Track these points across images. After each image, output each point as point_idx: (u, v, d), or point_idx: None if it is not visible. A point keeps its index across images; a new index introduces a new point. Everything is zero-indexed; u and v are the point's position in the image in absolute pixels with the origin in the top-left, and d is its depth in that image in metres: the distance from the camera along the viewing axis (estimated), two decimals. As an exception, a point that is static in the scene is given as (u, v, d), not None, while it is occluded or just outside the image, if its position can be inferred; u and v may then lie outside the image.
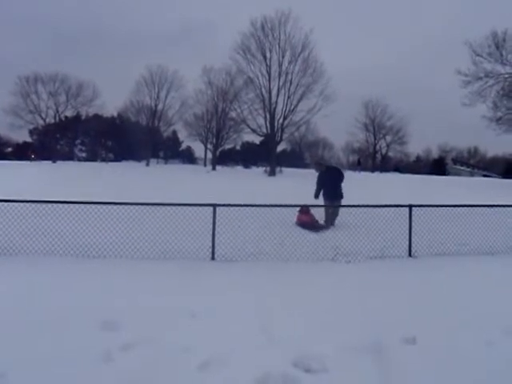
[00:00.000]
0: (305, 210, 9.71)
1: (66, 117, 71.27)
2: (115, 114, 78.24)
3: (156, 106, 65.45)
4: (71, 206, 7.24)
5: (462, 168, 76.09)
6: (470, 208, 8.14)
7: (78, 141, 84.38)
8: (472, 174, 68.01)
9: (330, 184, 10.22)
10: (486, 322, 4.02)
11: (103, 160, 78.76)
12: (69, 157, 76.13)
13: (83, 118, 74.66)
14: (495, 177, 62.18)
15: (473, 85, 32.78)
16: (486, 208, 8.16)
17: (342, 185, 10.45)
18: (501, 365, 3.18)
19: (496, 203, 8.69)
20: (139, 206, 7.31)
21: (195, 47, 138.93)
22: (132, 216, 7.38)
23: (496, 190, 23.73)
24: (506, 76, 32.07)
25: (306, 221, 9.67)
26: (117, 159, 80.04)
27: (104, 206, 7.35)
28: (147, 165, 63.45)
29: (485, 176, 63.67)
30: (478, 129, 38.98)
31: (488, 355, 3.35)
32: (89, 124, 74.38)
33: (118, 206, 7.25)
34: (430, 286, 5.45)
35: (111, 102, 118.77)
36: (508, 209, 8.40)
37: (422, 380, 2.97)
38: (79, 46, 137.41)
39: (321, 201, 10.25)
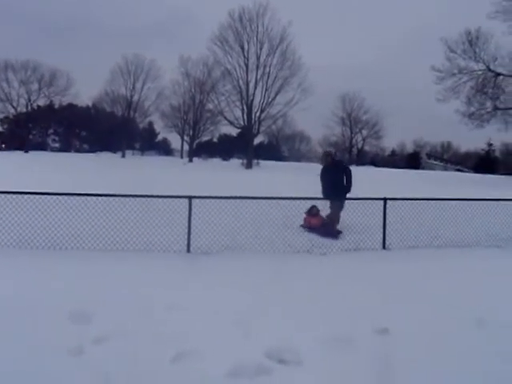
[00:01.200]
0: (315, 211, 8.89)
1: (38, 106, 69.59)
2: (90, 104, 76.69)
3: (132, 96, 64.60)
4: (42, 197, 7.05)
5: (436, 162, 77.64)
6: (443, 202, 8.31)
7: (51, 131, 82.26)
8: (445, 169, 69.51)
9: (332, 181, 8.94)
10: (457, 314, 4.11)
11: (77, 151, 77.22)
12: (41, 147, 74.19)
13: (56, 107, 72.96)
14: (467, 171, 63.68)
15: (447, 81, 33.66)
16: (458, 202, 8.34)
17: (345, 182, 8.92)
18: (471, 356, 3.26)
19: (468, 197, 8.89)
20: (113, 198, 7.19)
21: (172, 37, 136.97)
22: (106, 207, 7.26)
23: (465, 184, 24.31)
24: (480, 73, 32.92)
25: (317, 224, 8.64)
26: (92, 150, 78.51)
27: (77, 197, 7.21)
28: (123, 156, 62.57)
29: (458, 170, 65.17)
30: (451, 124, 39.85)
31: (459, 346, 3.43)
32: (62, 113, 72.72)
33: (92, 197, 7.13)
34: (404, 277, 5.55)
35: (86, 91, 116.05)
36: (479, 202, 8.61)
37: (392, 369, 3.02)
38: (53, 33, 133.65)
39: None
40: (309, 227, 8.73)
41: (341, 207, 8.66)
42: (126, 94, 64.28)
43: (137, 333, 3.51)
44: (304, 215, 9.00)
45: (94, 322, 3.71)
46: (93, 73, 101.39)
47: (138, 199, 7.44)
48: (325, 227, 8.47)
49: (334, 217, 8.74)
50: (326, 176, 9.16)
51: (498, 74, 32.22)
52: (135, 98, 64.64)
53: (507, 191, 16.41)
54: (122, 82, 63.71)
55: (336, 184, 8.88)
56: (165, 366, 3.00)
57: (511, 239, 8.14)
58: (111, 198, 7.21)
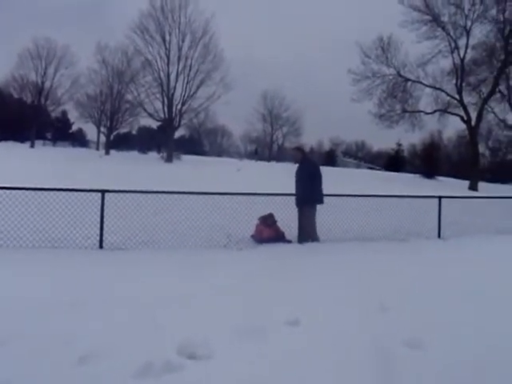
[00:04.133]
0: (270, 221, 7.66)
1: None
2: (-6, 90, 70.46)
3: (43, 82, 60.19)
4: None
5: (350, 160, 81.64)
6: (352, 198, 8.75)
7: None
8: (358, 167, 73.30)
9: (301, 183, 7.78)
10: (362, 303, 4.33)
11: (-23, 139, 70.68)
12: None
13: (-48, 90, 66.06)
14: (378, 169, 67.69)
15: (362, 83, 35.31)
16: (369, 198, 8.84)
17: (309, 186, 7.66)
18: (373, 341, 3.45)
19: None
20: (16, 191, 6.69)
21: (88, 22, 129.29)
22: (9, 202, 6.72)
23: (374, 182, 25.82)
24: (391, 77, 35.07)
25: (270, 236, 7.47)
26: (-4, 139, 72.30)
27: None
28: (32, 146, 58.41)
29: (369, 168, 69.02)
30: (365, 124, 41.96)
31: (361, 330, 3.62)
32: (-40, 98, 66.03)
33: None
34: (315, 270, 5.76)
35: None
36: (387, 199, 9.20)
37: (300, 357, 3.11)
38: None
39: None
40: (260, 239, 7.51)
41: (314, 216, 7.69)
42: (37, 80, 59.89)
43: (37, 335, 3.27)
44: (256, 222, 7.76)
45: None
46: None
47: (45, 193, 6.97)
48: (278, 241, 7.47)
49: (314, 232, 7.71)
50: (297, 177, 7.88)
51: (407, 80, 34.60)
52: (47, 84, 60.34)
53: (414, 189, 17.68)
54: (32, 66, 59.19)
55: (303, 183, 7.73)
56: (67, 369, 2.82)
57: (413, 233, 8.79)
58: (14, 192, 6.70)
